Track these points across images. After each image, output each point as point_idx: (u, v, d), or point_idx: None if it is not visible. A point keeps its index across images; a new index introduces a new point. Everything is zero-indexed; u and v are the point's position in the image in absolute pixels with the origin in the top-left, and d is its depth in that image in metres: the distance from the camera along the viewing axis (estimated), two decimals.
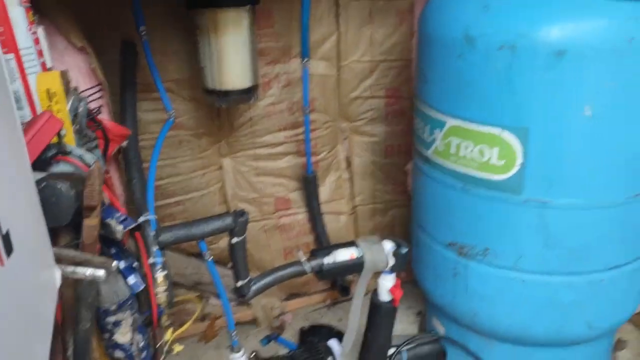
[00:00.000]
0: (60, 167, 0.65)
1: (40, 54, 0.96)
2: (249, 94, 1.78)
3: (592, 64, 1.37)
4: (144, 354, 0.92)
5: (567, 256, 1.58)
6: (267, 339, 2.21)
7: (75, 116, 0.86)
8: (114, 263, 0.61)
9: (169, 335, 1.66)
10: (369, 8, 2.07)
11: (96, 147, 0.97)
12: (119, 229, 0.71)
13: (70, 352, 0.61)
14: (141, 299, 1.13)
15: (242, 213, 1.52)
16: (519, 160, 1.50)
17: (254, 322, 2.35)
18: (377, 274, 1.78)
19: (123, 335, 0.88)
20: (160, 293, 1.39)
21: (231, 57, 1.67)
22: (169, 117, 1.83)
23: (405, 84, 2.20)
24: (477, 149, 1.56)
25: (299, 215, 2.30)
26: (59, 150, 0.68)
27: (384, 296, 1.84)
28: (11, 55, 0.86)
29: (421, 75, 1.74)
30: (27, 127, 0.66)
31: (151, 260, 1.40)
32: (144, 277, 0.86)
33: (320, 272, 1.70)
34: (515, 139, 1.49)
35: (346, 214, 2.38)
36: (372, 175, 2.37)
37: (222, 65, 1.67)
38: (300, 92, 2.09)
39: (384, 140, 2.30)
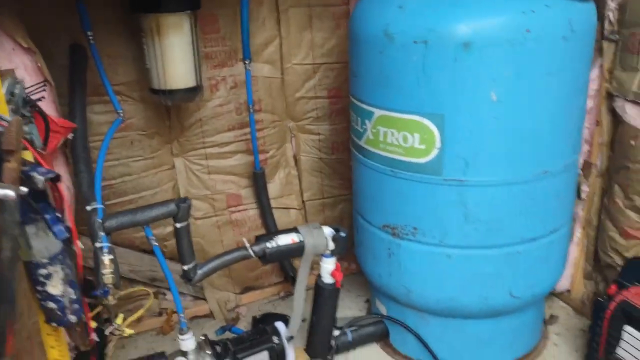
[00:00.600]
0: None
1: None
2: (193, 92, 1.90)
3: (494, 54, 1.54)
4: (75, 306, 1.01)
5: (485, 230, 1.73)
6: (222, 329, 2.30)
7: (12, 95, 0.96)
8: (23, 188, 0.71)
9: (119, 320, 1.75)
10: (308, 14, 2.23)
11: (31, 123, 1.07)
12: (39, 179, 0.82)
13: None
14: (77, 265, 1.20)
15: (184, 200, 1.63)
16: (438, 144, 1.66)
17: (210, 315, 2.44)
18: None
19: (55, 288, 0.98)
20: (107, 274, 1.49)
21: (174, 58, 1.79)
22: (118, 117, 1.94)
23: (345, 84, 2.34)
24: (401, 135, 1.71)
25: (250, 211, 2.42)
26: None
27: (327, 279, 1.97)
28: None
29: (352, 72, 1.89)
30: None
31: (98, 244, 1.51)
32: (67, 229, 0.96)
33: (264, 256, 1.82)
34: (433, 125, 1.64)
35: (296, 208, 2.50)
36: (320, 172, 2.50)
37: (165, 66, 1.79)
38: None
39: (329, 138, 2.44)
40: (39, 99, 1.18)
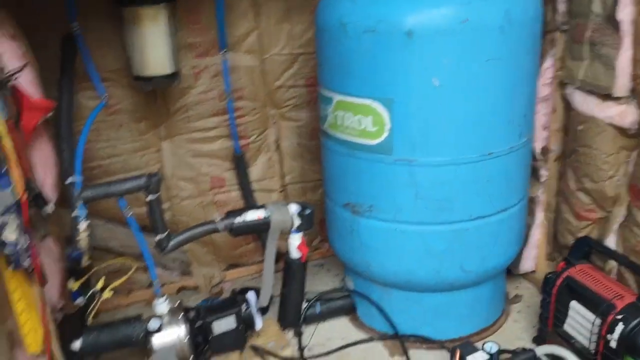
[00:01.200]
0: None
1: None
2: (170, 79, 2.07)
3: (434, 42, 1.67)
4: (28, 252, 1.19)
5: (435, 207, 1.86)
6: (206, 301, 2.47)
7: None
8: None
9: (100, 284, 1.93)
10: (287, 6, 2.37)
11: (2, 98, 1.24)
12: None
13: None
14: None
15: (155, 174, 1.80)
16: (388, 126, 1.79)
17: (196, 288, 2.62)
18: None
19: (10, 235, 1.15)
20: (82, 239, 1.67)
21: (152, 47, 1.96)
22: (102, 100, 2.12)
23: None
24: (356, 118, 1.85)
25: (233, 193, 2.58)
26: None
27: (294, 254, 2.13)
28: None
29: (318, 62, 2.03)
30: None
31: (75, 213, 1.69)
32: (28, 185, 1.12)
33: (231, 230, 1.99)
34: (383, 108, 1.78)
35: (277, 191, 2.66)
36: (301, 157, 2.65)
37: (143, 54, 1.97)
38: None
39: (309, 124, 2.59)
40: (14, 79, 1.36)
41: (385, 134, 1.81)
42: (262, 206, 2.05)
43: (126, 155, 2.36)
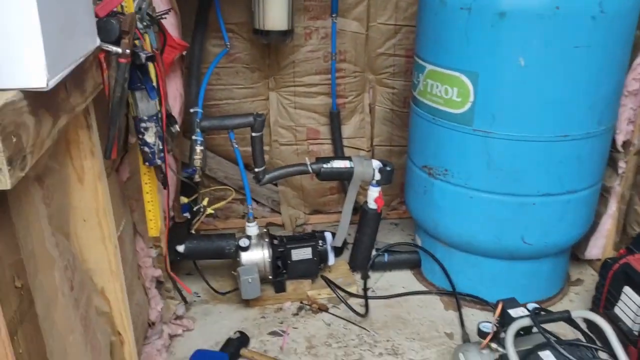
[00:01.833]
0: (114, 18, 1.24)
1: None
2: (285, 35, 2.36)
3: (525, 24, 1.81)
4: (161, 154, 1.52)
5: (504, 178, 2.02)
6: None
7: (139, 10, 1.46)
8: (128, 51, 1.18)
9: (205, 202, 2.30)
10: None
11: (150, 30, 1.56)
12: (142, 56, 1.29)
13: (110, 112, 1.22)
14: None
15: (260, 115, 2.11)
16: (471, 98, 1.96)
17: (282, 225, 2.95)
18: None
19: (150, 138, 1.47)
20: (197, 159, 2.03)
21: (273, 5, 2.25)
22: (225, 47, 2.46)
23: None
24: (443, 88, 2.04)
25: (325, 145, 2.86)
26: (118, 12, 1.27)
27: (371, 204, 2.36)
28: None
29: (417, 33, 2.23)
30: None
31: (194, 137, 2.04)
32: (160, 102, 1.43)
33: (319, 174, 2.26)
34: (469, 81, 1.95)
35: (365, 150, 2.90)
36: (391, 122, 2.87)
37: (265, 11, 2.26)
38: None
39: (402, 93, 2.79)
40: (163, 19, 1.69)
41: (468, 105, 1.98)
42: (348, 157, 2.30)
43: (239, 100, 2.70)
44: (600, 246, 2.45)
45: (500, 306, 1.74)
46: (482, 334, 1.79)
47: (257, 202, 2.96)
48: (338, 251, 2.51)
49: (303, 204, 2.97)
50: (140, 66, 1.33)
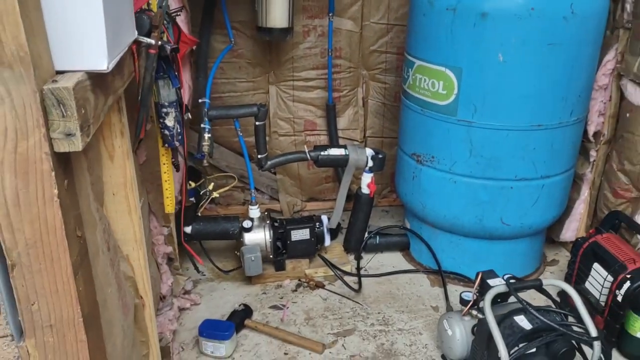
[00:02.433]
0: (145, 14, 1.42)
1: None
2: (285, 32, 2.55)
3: (504, 24, 2.01)
4: (179, 137, 1.71)
5: (485, 164, 2.22)
6: None
7: (160, 7, 1.64)
8: (158, 43, 1.36)
9: (210, 186, 2.49)
10: None
11: (170, 27, 1.74)
12: (167, 48, 1.47)
13: (139, 96, 1.41)
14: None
15: (263, 105, 2.30)
16: (455, 91, 2.17)
17: (280, 212, 3.14)
18: None
19: (170, 122, 1.65)
20: (205, 145, 2.21)
21: (275, 4, 2.44)
22: (230, 43, 2.65)
23: None
24: (430, 82, 2.24)
25: (322, 136, 3.05)
26: (145, 9, 1.46)
27: (364, 189, 2.56)
28: None
29: (407, 32, 2.42)
30: None
31: (202, 125, 2.23)
32: (179, 90, 1.61)
33: (317, 161, 2.45)
34: (453, 75, 2.15)
35: (358, 141, 3.10)
36: (383, 115, 3.07)
37: (269, 9, 2.45)
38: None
39: (394, 87, 2.99)
40: (177, 16, 1.87)
41: (452, 97, 2.18)
42: (343, 146, 2.50)
43: (241, 93, 2.89)
44: (574, 229, 2.67)
45: (479, 277, 1.94)
46: (463, 302, 2.00)
47: (257, 190, 3.14)
48: (333, 234, 2.70)
49: (300, 192, 3.16)
50: (164, 57, 1.52)
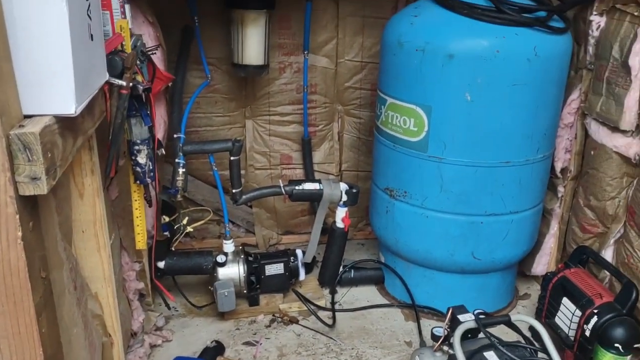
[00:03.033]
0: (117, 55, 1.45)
1: (123, 13, 1.75)
2: (261, 69, 2.60)
3: (470, 65, 2.08)
4: (151, 174, 1.72)
5: (455, 200, 2.27)
6: None
7: (135, 47, 1.67)
8: (130, 84, 1.38)
9: (185, 221, 2.48)
10: (362, 22, 2.85)
11: (144, 65, 1.77)
12: (139, 88, 1.50)
13: (111, 135, 1.42)
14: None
15: (238, 140, 2.32)
16: (426, 128, 2.22)
17: (256, 246, 3.14)
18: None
19: (142, 159, 1.67)
20: (179, 180, 2.22)
21: (250, 42, 2.49)
22: (206, 79, 2.68)
23: None
24: (402, 119, 2.29)
25: (297, 170, 3.09)
26: (119, 50, 1.48)
27: (338, 224, 2.58)
28: (107, 11, 1.66)
29: (380, 70, 2.49)
30: (108, 39, 1.46)
31: (177, 160, 2.24)
32: (151, 128, 1.63)
33: (291, 195, 2.47)
34: (424, 113, 2.21)
35: (334, 175, 3.13)
36: (358, 149, 3.12)
37: (244, 47, 2.50)
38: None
39: (368, 122, 3.04)
40: (153, 54, 1.90)
41: (423, 134, 2.23)
42: (318, 180, 2.52)
43: (217, 127, 2.92)
44: (544, 263, 2.71)
45: (450, 312, 1.96)
46: (435, 337, 2.01)
47: (233, 223, 3.14)
48: (308, 268, 2.71)
49: (276, 225, 3.17)
50: (137, 96, 1.54)
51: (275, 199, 3.09)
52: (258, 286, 2.50)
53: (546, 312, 2.33)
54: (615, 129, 2.16)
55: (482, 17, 2.07)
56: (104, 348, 1.69)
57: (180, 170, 2.23)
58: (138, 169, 1.69)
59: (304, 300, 2.56)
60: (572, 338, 2.15)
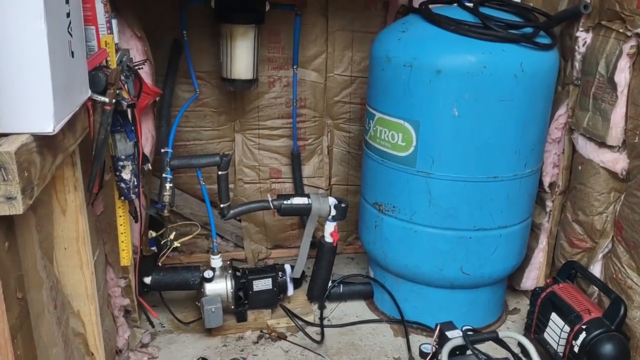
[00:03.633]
0: (101, 71, 1.43)
1: (109, 28, 1.75)
2: (249, 83, 2.60)
3: (458, 81, 2.09)
4: (135, 190, 1.70)
5: (443, 215, 2.26)
6: None
7: (120, 62, 1.67)
8: (113, 100, 1.37)
9: (172, 236, 2.46)
10: (351, 37, 2.86)
11: (130, 80, 1.77)
12: (124, 104, 1.49)
13: (94, 151, 1.40)
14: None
15: (226, 155, 2.31)
16: (414, 143, 2.22)
17: (245, 260, 3.12)
18: None
19: (126, 175, 1.65)
20: (166, 195, 2.20)
21: (239, 57, 2.49)
22: (195, 93, 2.68)
23: None
24: (390, 134, 2.29)
25: (287, 184, 3.07)
26: (103, 66, 1.48)
27: (327, 238, 2.57)
28: (93, 26, 1.66)
29: (368, 85, 2.49)
30: (92, 55, 1.45)
31: (164, 175, 2.23)
32: (136, 143, 1.62)
33: (280, 209, 2.46)
34: (412, 128, 2.21)
35: (323, 189, 3.12)
36: (347, 163, 3.11)
37: (232, 61, 2.50)
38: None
39: (357, 136, 3.04)
40: (140, 69, 1.90)
41: (411, 149, 2.23)
42: (307, 195, 2.51)
43: (206, 141, 2.91)
44: (534, 278, 2.70)
45: (438, 328, 1.95)
46: (423, 354, 2.00)
47: (222, 238, 3.12)
48: (297, 283, 2.69)
49: (265, 239, 3.15)
50: (121, 112, 1.53)
51: (264, 213, 3.07)
52: (246, 302, 2.48)
53: (535, 327, 2.32)
54: (602, 144, 2.17)
55: (469, 33, 2.08)
56: None
57: (168, 185, 2.22)
58: (122, 184, 1.68)
59: (292, 316, 2.54)
60: (561, 354, 2.14)
